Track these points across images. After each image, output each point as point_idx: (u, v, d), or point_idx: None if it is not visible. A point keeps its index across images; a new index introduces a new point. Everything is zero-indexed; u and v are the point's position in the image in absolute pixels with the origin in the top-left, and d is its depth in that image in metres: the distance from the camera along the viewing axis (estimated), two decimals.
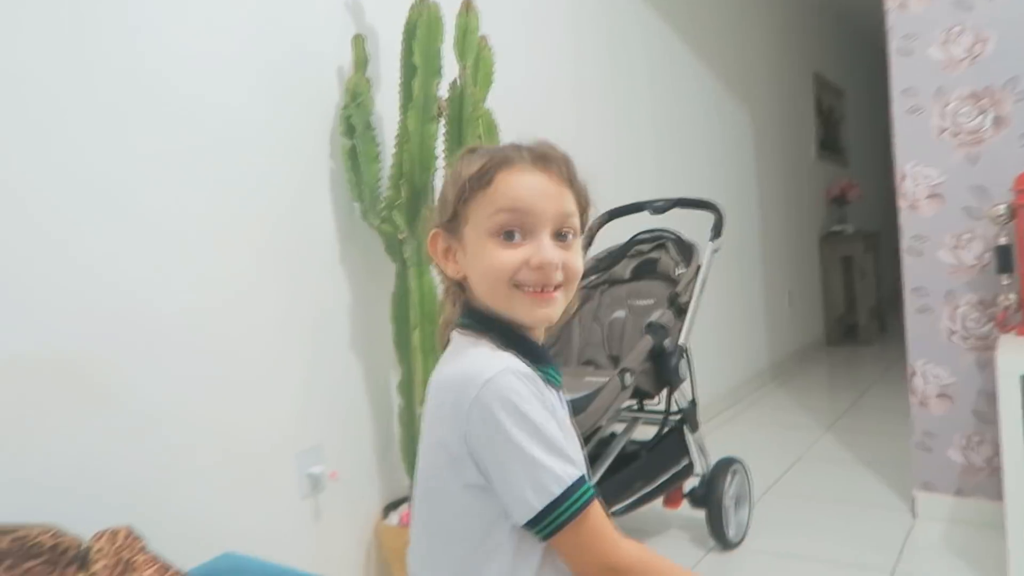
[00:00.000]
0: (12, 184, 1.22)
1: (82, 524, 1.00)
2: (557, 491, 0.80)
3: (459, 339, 0.90)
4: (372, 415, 1.86)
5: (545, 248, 0.85)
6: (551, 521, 0.80)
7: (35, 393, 1.21)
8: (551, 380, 0.90)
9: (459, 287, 0.92)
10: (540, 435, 0.80)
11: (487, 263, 0.86)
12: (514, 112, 1.94)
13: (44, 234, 1.25)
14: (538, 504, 0.79)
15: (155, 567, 0.89)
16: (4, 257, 1.20)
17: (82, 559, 0.86)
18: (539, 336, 0.93)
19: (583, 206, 0.92)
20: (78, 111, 1.31)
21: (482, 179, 0.86)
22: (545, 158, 0.88)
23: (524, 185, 0.86)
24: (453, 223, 0.89)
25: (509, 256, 0.85)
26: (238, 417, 1.55)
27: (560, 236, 0.88)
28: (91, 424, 1.29)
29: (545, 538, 0.81)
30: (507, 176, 0.86)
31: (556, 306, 0.88)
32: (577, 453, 0.88)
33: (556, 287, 0.87)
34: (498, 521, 0.83)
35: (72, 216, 1.29)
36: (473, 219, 0.87)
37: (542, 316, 0.88)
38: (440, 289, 0.98)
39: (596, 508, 0.83)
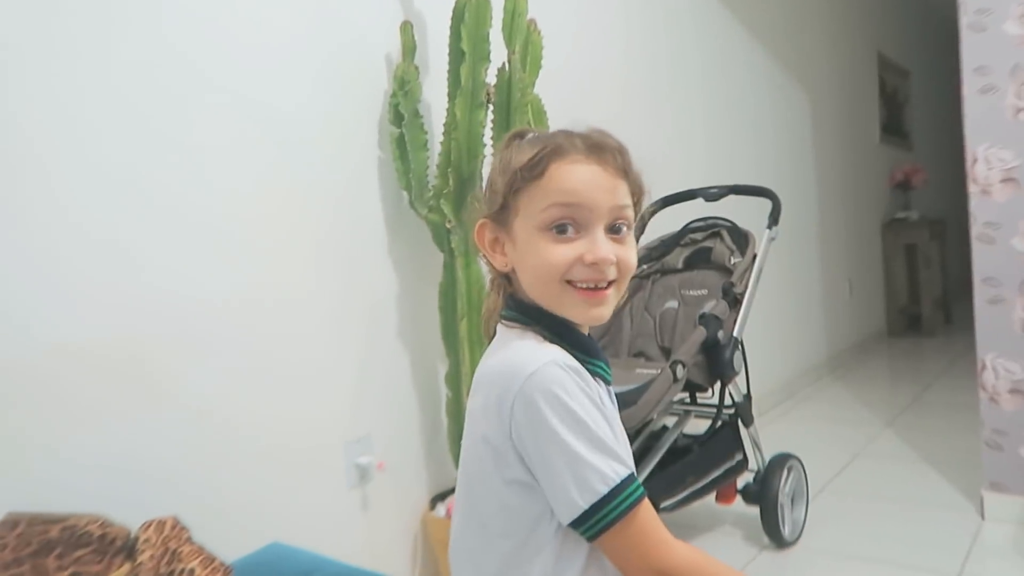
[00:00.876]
0: (63, 175, 1.23)
1: (131, 513, 1.01)
2: (603, 490, 0.77)
3: (505, 331, 0.88)
4: (419, 406, 1.86)
5: (600, 244, 0.82)
6: (597, 521, 0.77)
7: (83, 382, 1.23)
8: (600, 374, 0.87)
9: (506, 278, 0.90)
10: (586, 431, 0.77)
11: (539, 258, 0.83)
12: (559, 96, 1.89)
13: (100, 229, 1.27)
14: (584, 503, 0.76)
15: (200, 558, 0.89)
16: (60, 248, 1.22)
17: (129, 549, 0.87)
18: (584, 330, 0.89)
19: (637, 196, 0.88)
20: (132, 108, 1.32)
21: (534, 169, 0.83)
22: (599, 147, 0.84)
23: (578, 177, 0.82)
24: (502, 214, 0.86)
25: (562, 252, 0.82)
26: (287, 407, 1.56)
27: (614, 229, 0.84)
28: (142, 414, 1.31)
29: (591, 538, 0.78)
30: (560, 167, 0.83)
31: (609, 305, 0.85)
32: (626, 450, 0.85)
33: (609, 284, 0.84)
34: (542, 518, 0.81)
35: (128, 211, 1.31)
36: (524, 211, 0.84)
37: (594, 315, 0.85)
38: (487, 279, 0.96)
39: (645, 508, 0.79)
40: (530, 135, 0.90)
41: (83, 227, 1.25)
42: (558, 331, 0.85)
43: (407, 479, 1.82)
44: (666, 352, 2.16)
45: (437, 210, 1.69)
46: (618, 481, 0.77)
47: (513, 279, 0.89)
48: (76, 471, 1.19)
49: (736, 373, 1.96)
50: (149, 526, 0.91)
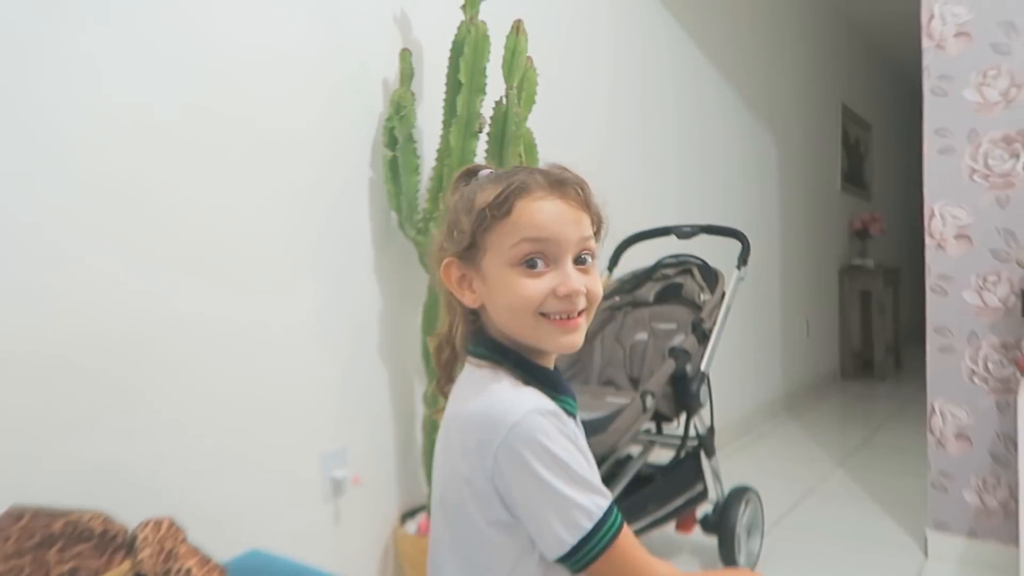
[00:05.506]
0: (38, 182, 1.26)
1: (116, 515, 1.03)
2: (588, 525, 0.81)
3: (476, 372, 0.89)
4: (395, 422, 1.89)
5: (571, 276, 0.85)
6: (584, 555, 0.81)
7: (61, 390, 1.25)
8: (567, 409, 0.90)
9: (473, 314, 0.92)
10: (569, 473, 0.81)
11: (512, 294, 0.85)
12: (547, 130, 1.97)
13: (84, 241, 1.29)
14: (571, 539, 0.81)
15: (197, 558, 0.91)
16: (57, 258, 1.24)
17: (129, 546, 0.89)
18: (551, 363, 0.93)
19: (597, 226, 0.92)
20: (121, 122, 1.35)
21: (501, 207, 0.85)
22: (561, 182, 0.88)
23: (545, 212, 0.85)
24: (469, 252, 0.88)
25: (535, 286, 0.85)
26: (266, 419, 1.58)
27: (580, 260, 0.88)
28: (118, 423, 1.32)
29: (578, 572, 0.83)
30: (527, 204, 0.85)
31: (581, 332, 0.88)
32: (597, 475, 0.89)
33: (580, 312, 0.87)
34: (525, 552, 0.85)
35: (119, 220, 1.33)
36: (493, 248, 0.86)
37: (568, 343, 0.88)
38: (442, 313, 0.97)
39: (626, 534, 0.84)
40: (484, 172, 0.93)
41: (73, 236, 1.27)
42: (527, 369, 0.88)
43: (380, 494, 1.85)
44: (635, 382, 2.22)
45: (426, 232, 1.74)
46: (600, 515, 0.82)
47: (481, 315, 0.91)
48: (53, 477, 1.20)
49: (702, 406, 2.04)
50: (146, 525, 0.93)
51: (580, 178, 0.91)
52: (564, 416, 0.86)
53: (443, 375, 0.96)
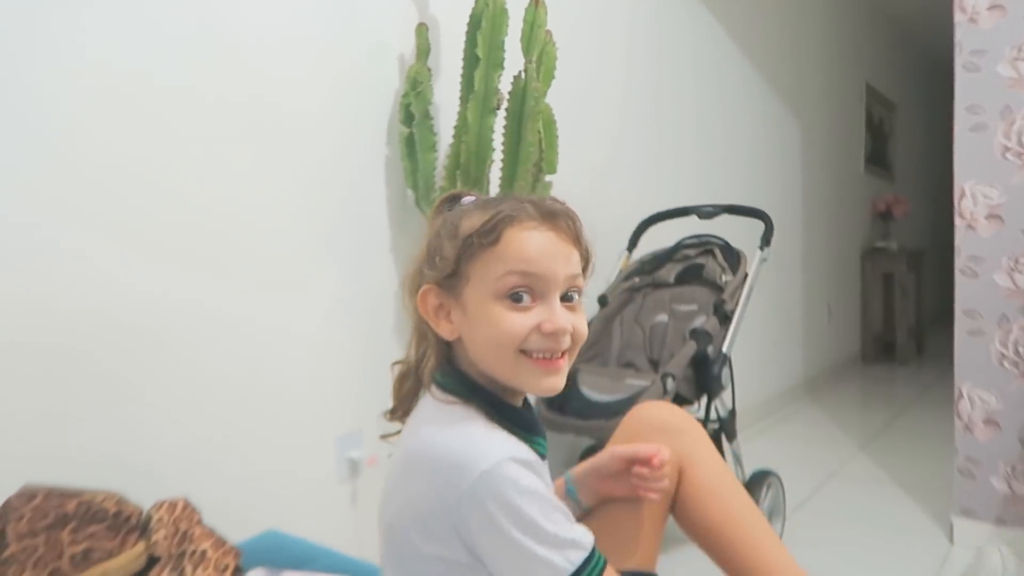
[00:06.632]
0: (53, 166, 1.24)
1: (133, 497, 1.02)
2: None
3: (442, 408, 0.84)
4: None
5: (558, 313, 0.81)
6: None
7: (71, 369, 1.24)
8: (539, 451, 0.85)
9: (446, 345, 0.87)
10: (538, 531, 0.76)
11: (494, 328, 0.80)
12: (563, 108, 1.93)
13: (108, 218, 1.28)
14: None
15: (212, 540, 0.90)
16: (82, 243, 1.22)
17: (143, 527, 0.88)
18: (519, 401, 0.88)
19: (586, 262, 0.87)
20: (140, 105, 1.33)
21: (488, 236, 0.80)
22: (552, 213, 0.83)
23: (535, 244, 0.81)
24: (451, 280, 0.83)
25: (519, 321, 0.80)
26: (282, 400, 1.57)
27: (566, 298, 0.83)
28: (134, 404, 1.31)
29: None
30: (516, 233, 0.81)
31: (563, 375, 0.83)
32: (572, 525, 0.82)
33: (563, 353, 0.83)
34: None
35: (138, 201, 1.31)
36: (477, 278, 0.81)
37: (549, 386, 0.83)
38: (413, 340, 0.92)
39: None
40: (468, 199, 0.88)
41: (100, 218, 1.26)
42: (499, 408, 0.84)
43: None
44: (654, 364, 2.19)
45: None
46: (572, 570, 0.77)
47: (456, 347, 0.86)
48: (66, 464, 1.19)
49: (723, 388, 2.00)
50: (161, 506, 0.92)
51: (571, 211, 0.86)
52: (537, 463, 0.80)
53: (401, 408, 0.91)
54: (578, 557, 0.77)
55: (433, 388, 0.86)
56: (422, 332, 0.89)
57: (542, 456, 0.86)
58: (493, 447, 0.78)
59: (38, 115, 1.18)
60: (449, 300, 0.84)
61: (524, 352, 0.81)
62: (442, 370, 0.86)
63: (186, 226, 1.39)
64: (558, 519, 0.78)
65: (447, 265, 0.82)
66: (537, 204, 0.84)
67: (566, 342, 0.82)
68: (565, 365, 0.83)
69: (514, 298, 0.80)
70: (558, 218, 0.83)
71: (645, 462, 1.00)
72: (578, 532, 0.80)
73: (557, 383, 0.83)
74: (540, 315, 0.81)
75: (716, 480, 1.11)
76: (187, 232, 1.39)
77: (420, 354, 0.89)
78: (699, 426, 1.18)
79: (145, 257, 1.32)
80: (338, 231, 1.69)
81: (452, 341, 0.86)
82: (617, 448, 1.04)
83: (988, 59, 2.17)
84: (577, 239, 0.85)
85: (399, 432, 0.88)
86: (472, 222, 0.82)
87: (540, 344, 0.81)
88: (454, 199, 0.89)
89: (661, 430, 1.10)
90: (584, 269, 0.87)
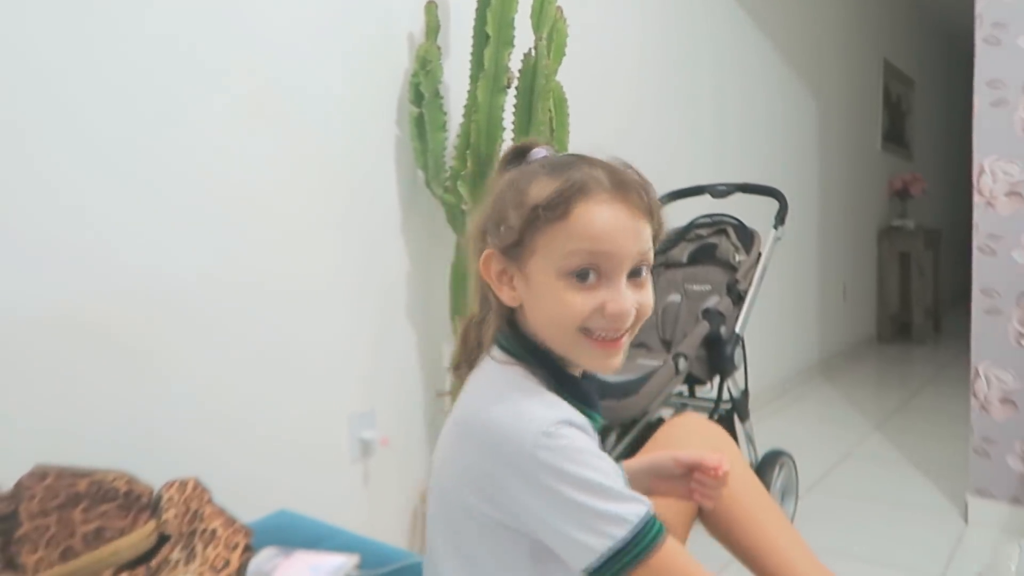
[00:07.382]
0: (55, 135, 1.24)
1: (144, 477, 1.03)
2: (619, 535, 0.74)
3: (502, 369, 0.83)
4: (424, 384, 1.87)
5: (622, 295, 0.78)
6: (616, 566, 0.74)
7: (88, 351, 1.24)
8: (595, 426, 0.84)
9: (507, 308, 0.85)
10: (597, 487, 0.75)
11: (557, 305, 0.79)
12: (573, 85, 1.90)
13: (108, 208, 1.28)
14: (601, 548, 0.74)
15: (222, 519, 0.90)
16: (83, 215, 1.22)
17: (154, 506, 0.89)
18: (579, 371, 0.87)
19: (656, 233, 0.84)
20: (153, 81, 1.32)
21: (556, 209, 0.77)
22: (624, 185, 0.80)
23: (605, 221, 0.78)
24: (515, 249, 0.80)
25: (582, 301, 0.78)
26: (294, 380, 1.57)
27: (635, 273, 0.80)
28: (150, 385, 1.32)
29: None
30: (586, 209, 0.78)
31: (622, 354, 0.82)
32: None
33: (624, 332, 0.81)
34: (531, 558, 0.80)
35: (150, 187, 1.31)
36: (542, 252, 0.79)
37: (608, 366, 0.81)
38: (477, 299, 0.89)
39: (669, 547, 0.76)
40: (536, 153, 0.85)
41: (108, 200, 1.26)
42: (559, 377, 0.83)
43: (408, 456, 1.84)
44: (667, 344, 2.18)
45: (454, 191, 1.70)
46: (635, 522, 0.75)
47: (517, 313, 0.85)
48: (80, 441, 1.20)
49: (736, 368, 1.99)
50: (171, 485, 0.92)
51: (644, 180, 0.83)
52: (591, 431, 0.80)
53: (465, 363, 0.89)
54: (640, 511, 0.76)
55: (494, 350, 0.85)
56: (485, 296, 0.87)
57: (598, 431, 0.85)
58: (551, 411, 0.77)
59: (64, 94, 1.18)
60: (512, 267, 0.82)
61: (585, 330, 0.79)
62: (503, 333, 0.85)
63: (201, 207, 1.39)
64: (614, 477, 0.77)
65: (512, 235, 0.80)
66: (611, 172, 0.80)
67: (629, 322, 0.80)
68: (626, 342, 0.82)
69: (580, 276, 0.78)
70: (630, 190, 0.80)
71: (708, 471, 0.98)
72: (636, 493, 0.79)
73: (616, 363, 0.81)
74: (605, 296, 0.78)
75: (753, 500, 1.11)
76: (192, 212, 1.39)
77: (482, 315, 0.88)
78: (735, 445, 1.21)
79: (159, 236, 1.32)
80: (350, 213, 1.68)
81: (518, 309, 0.84)
82: (680, 453, 1.02)
83: (1010, 32, 2.12)
84: (649, 212, 0.82)
85: (451, 392, 0.86)
86: (540, 191, 0.79)
87: (602, 324, 0.79)
88: (522, 152, 0.85)
89: (703, 444, 1.10)
90: (656, 239, 0.84)
